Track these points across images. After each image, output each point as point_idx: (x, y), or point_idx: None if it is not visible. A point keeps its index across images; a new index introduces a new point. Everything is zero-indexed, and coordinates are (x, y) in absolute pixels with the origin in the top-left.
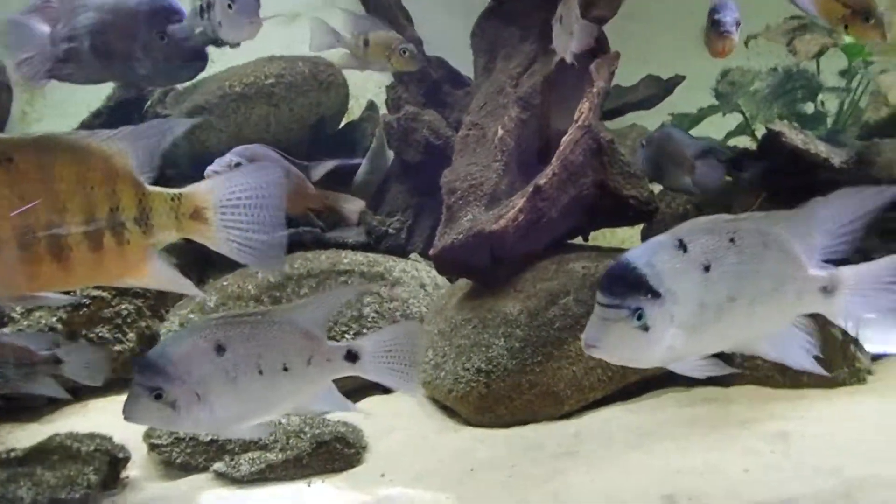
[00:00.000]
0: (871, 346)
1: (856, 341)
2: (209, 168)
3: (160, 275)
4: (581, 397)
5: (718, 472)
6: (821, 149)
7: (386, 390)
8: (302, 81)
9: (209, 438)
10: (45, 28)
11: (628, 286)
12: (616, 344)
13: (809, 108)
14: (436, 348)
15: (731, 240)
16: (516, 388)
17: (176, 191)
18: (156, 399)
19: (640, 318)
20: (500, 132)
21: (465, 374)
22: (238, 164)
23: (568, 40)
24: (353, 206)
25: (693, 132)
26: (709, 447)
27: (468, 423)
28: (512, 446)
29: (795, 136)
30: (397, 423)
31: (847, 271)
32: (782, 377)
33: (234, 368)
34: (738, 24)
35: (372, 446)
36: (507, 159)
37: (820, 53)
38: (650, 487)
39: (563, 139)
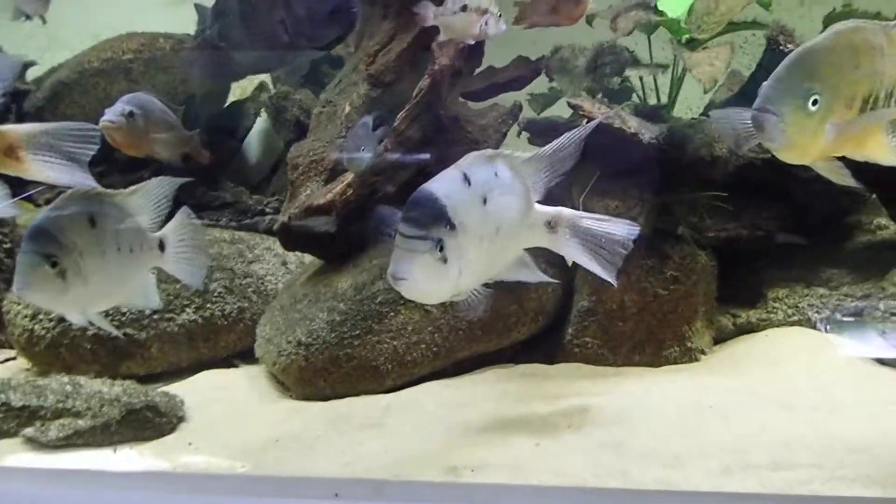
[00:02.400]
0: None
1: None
2: (102, 119)
3: None
4: (404, 372)
5: (510, 445)
6: (630, 124)
7: (229, 364)
8: (162, 58)
9: (21, 404)
10: None
11: (433, 217)
12: (421, 276)
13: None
14: (273, 323)
15: (495, 173)
16: (334, 362)
17: None
18: (52, 267)
19: (441, 249)
20: (347, 108)
21: (287, 346)
22: (131, 112)
23: (474, 24)
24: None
25: (549, 112)
26: (510, 421)
27: (293, 395)
28: (323, 418)
29: (597, 110)
30: (222, 395)
31: (567, 213)
32: (613, 356)
33: (102, 242)
34: None
35: (190, 416)
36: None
37: (634, 29)
38: (439, 458)
39: (399, 115)
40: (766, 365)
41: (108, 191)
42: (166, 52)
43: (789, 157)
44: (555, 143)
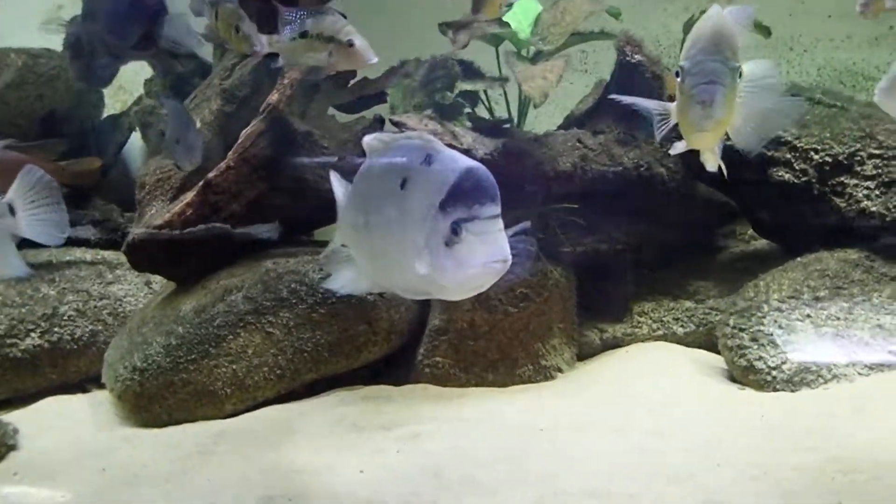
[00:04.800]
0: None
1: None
2: None
3: None
4: (246, 396)
5: (335, 472)
6: (464, 140)
7: (83, 390)
8: (15, 74)
9: None
10: None
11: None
12: None
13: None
14: (118, 347)
15: None
16: (169, 387)
17: None
18: None
19: None
20: (199, 124)
21: (123, 372)
22: None
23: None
24: (87, 165)
25: None
26: (341, 447)
27: (132, 422)
28: (154, 446)
29: (423, 127)
30: (61, 422)
31: None
32: (465, 375)
33: None
34: None
35: (22, 445)
36: (204, 152)
37: (468, 42)
38: (258, 488)
39: (244, 131)
40: (613, 384)
41: None
42: (19, 68)
43: (710, 138)
44: None
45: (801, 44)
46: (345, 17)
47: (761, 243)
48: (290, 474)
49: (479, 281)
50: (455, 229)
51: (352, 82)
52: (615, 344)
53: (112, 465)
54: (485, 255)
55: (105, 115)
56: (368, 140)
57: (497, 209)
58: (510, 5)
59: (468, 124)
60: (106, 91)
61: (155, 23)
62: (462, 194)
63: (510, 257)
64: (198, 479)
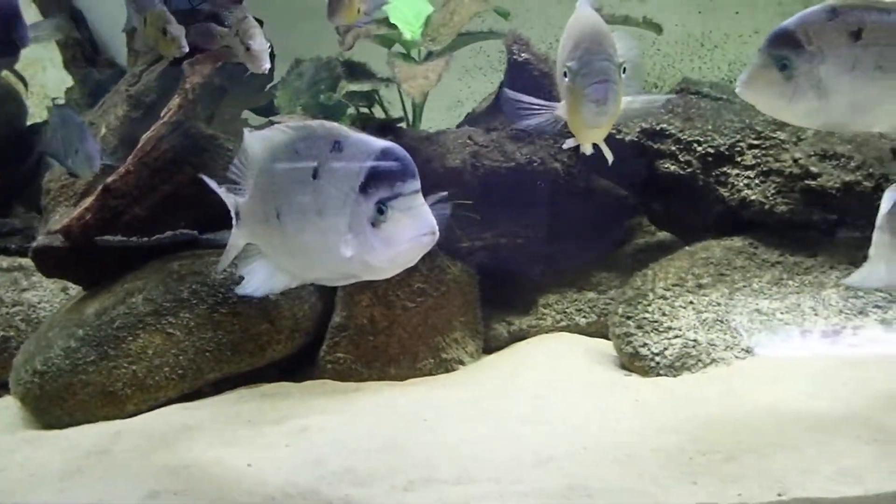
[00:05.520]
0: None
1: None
2: None
3: None
4: (147, 396)
5: (224, 466)
6: None
7: None
8: None
9: None
10: None
11: None
12: None
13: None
14: (25, 351)
15: None
16: (69, 389)
17: None
18: None
19: None
20: (104, 130)
21: (24, 375)
22: None
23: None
24: None
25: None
26: (232, 442)
27: (35, 425)
28: (53, 447)
29: None
30: None
31: None
32: (367, 370)
33: None
34: None
35: None
36: (108, 158)
37: (353, 43)
38: (147, 485)
39: (144, 136)
40: (505, 374)
41: None
42: None
43: (601, 134)
44: None
45: (711, 40)
46: (260, 22)
47: (664, 235)
48: (179, 470)
49: (410, 255)
50: (380, 208)
51: (268, 86)
52: (522, 336)
53: (9, 466)
54: (413, 229)
55: (29, 123)
56: (260, 135)
57: (417, 184)
58: (368, 14)
59: (357, 124)
60: (29, 100)
61: (11, 27)
62: (383, 174)
63: (437, 229)
64: (91, 478)
